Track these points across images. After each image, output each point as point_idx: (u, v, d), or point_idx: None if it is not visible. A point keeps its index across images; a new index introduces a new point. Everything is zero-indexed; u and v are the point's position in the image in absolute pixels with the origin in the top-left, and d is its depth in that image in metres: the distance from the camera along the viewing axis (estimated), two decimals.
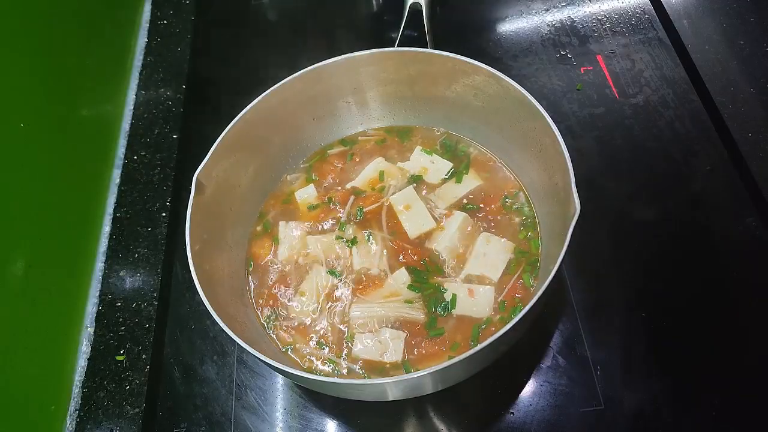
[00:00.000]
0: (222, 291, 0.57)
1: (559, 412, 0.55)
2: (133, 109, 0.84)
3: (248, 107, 0.60)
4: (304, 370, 0.56)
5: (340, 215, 0.64)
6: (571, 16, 0.82)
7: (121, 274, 0.69)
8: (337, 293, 0.59)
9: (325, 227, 0.64)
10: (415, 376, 0.43)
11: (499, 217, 0.61)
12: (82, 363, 0.64)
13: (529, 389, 0.56)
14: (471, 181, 0.64)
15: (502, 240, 0.59)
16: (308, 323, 0.58)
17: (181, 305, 0.67)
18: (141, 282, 0.68)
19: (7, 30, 0.63)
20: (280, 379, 0.61)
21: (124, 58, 0.87)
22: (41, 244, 0.63)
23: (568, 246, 0.46)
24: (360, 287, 0.59)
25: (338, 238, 0.62)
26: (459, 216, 0.61)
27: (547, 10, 0.84)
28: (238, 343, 0.47)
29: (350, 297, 0.59)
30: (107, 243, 0.72)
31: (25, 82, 0.65)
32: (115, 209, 0.75)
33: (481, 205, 0.62)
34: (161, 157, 0.78)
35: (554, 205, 0.55)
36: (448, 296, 0.57)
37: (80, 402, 0.62)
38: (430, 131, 0.69)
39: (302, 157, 0.70)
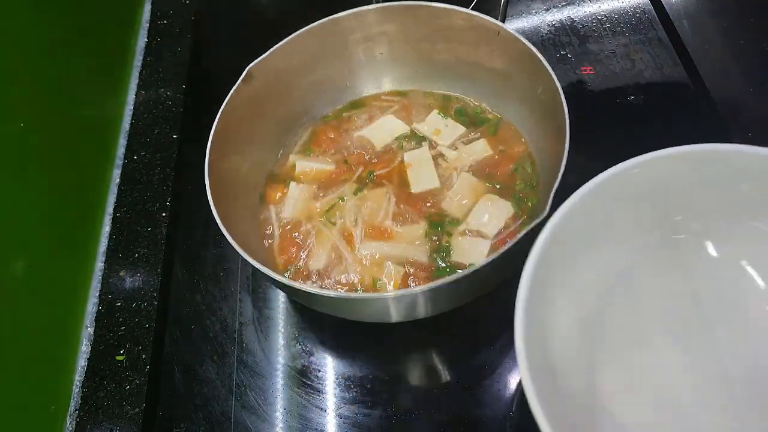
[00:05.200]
0: (234, 213, 0.59)
1: None
2: (133, 109, 0.84)
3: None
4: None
5: (352, 176, 0.67)
6: (571, 16, 0.82)
7: (121, 274, 0.69)
8: (347, 242, 0.62)
9: (336, 188, 0.67)
10: (409, 292, 0.46)
11: (505, 180, 0.64)
12: (82, 363, 0.64)
13: None
14: (482, 144, 0.66)
15: (503, 201, 0.62)
16: (317, 266, 0.61)
17: (181, 305, 0.67)
18: (141, 282, 0.68)
19: (6, 30, 0.63)
20: (280, 380, 0.61)
21: (124, 58, 0.87)
22: (41, 244, 0.63)
23: None
24: (372, 234, 0.62)
25: (344, 198, 0.65)
26: (465, 177, 0.64)
27: (547, 10, 0.84)
28: (244, 259, 0.49)
29: (360, 241, 0.61)
30: (107, 243, 0.72)
31: (25, 82, 0.65)
32: (115, 209, 0.75)
33: (490, 168, 0.64)
34: (161, 157, 0.78)
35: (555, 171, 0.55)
36: (448, 245, 0.60)
37: (80, 402, 0.62)
38: (443, 95, 0.71)
39: (317, 115, 0.72)
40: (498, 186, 0.63)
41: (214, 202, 0.55)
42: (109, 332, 0.65)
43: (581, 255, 0.44)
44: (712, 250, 0.45)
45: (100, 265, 0.71)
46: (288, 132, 0.71)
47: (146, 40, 0.91)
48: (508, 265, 0.47)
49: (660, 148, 0.68)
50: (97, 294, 0.68)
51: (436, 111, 0.69)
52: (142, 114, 0.83)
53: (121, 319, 0.66)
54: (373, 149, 0.68)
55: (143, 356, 0.63)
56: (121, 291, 0.68)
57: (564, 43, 0.80)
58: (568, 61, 0.78)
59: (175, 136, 0.79)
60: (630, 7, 0.81)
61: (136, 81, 0.86)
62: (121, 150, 0.80)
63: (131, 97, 0.85)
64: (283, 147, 0.70)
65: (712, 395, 0.41)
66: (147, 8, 0.94)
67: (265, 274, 0.50)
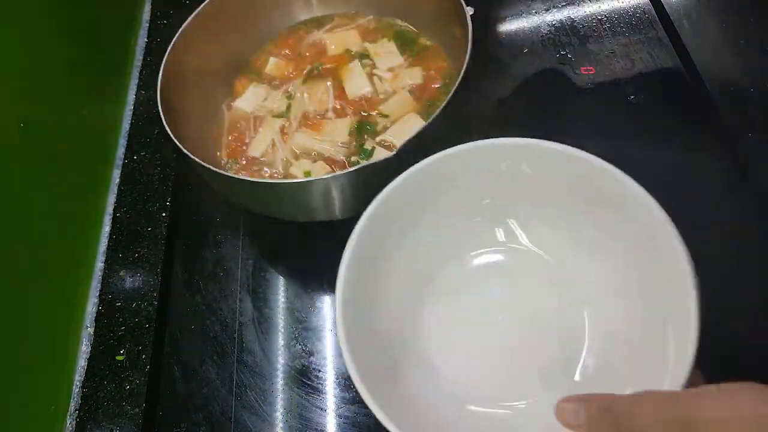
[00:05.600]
0: (192, 102, 0.67)
1: None
2: (133, 109, 0.84)
3: None
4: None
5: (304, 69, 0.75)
6: (571, 16, 0.82)
7: (121, 274, 0.69)
8: (287, 131, 0.69)
9: (288, 83, 0.74)
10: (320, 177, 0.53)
11: (432, 100, 0.69)
12: (82, 363, 0.64)
13: None
14: (417, 71, 0.72)
15: (418, 118, 0.67)
16: (253, 154, 0.69)
17: (181, 305, 0.67)
18: (141, 282, 0.68)
19: (5, 30, 0.63)
20: (280, 380, 0.61)
21: (124, 58, 0.87)
22: (41, 244, 0.63)
23: None
24: (307, 123, 0.70)
25: (294, 93, 0.73)
26: (400, 95, 0.69)
27: (547, 10, 0.84)
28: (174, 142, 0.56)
29: (297, 129, 0.69)
30: (107, 243, 0.72)
31: (25, 82, 0.65)
32: (115, 209, 0.75)
33: (422, 91, 0.70)
34: (161, 157, 0.78)
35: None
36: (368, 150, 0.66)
37: (80, 402, 0.62)
38: (392, 21, 0.78)
39: (287, 23, 0.81)
40: (429, 105, 0.69)
41: (163, 81, 0.62)
42: (109, 332, 0.65)
43: (404, 231, 0.50)
44: (510, 230, 0.54)
45: (100, 265, 0.71)
46: (262, 34, 0.79)
47: (146, 40, 0.91)
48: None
49: (659, 148, 0.69)
50: (97, 294, 0.69)
51: (386, 39, 0.76)
52: (142, 114, 0.83)
53: (121, 319, 0.66)
54: (326, 52, 0.76)
55: (143, 356, 0.63)
56: (121, 291, 0.68)
57: (564, 43, 0.80)
58: (568, 61, 0.78)
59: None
60: (630, 7, 0.81)
61: (136, 81, 0.86)
62: (121, 150, 0.80)
63: (131, 97, 0.85)
64: (256, 46, 0.79)
65: (503, 358, 0.49)
66: (147, 8, 0.94)
67: (187, 156, 0.56)
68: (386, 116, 0.68)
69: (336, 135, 0.67)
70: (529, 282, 0.52)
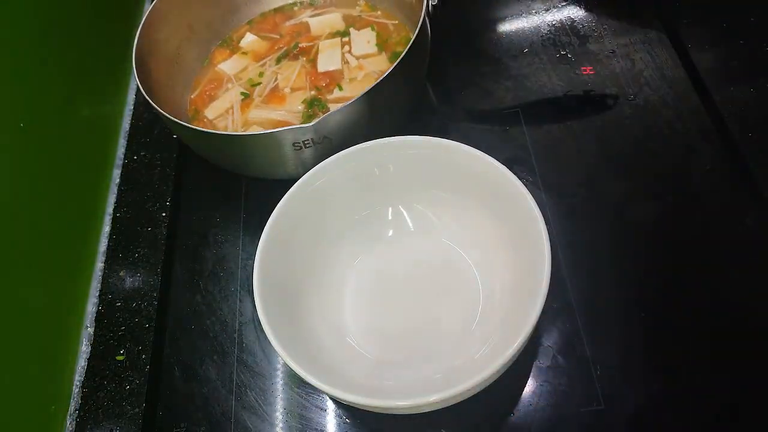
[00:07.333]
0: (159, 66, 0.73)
1: (559, 412, 0.55)
2: (133, 109, 0.84)
3: None
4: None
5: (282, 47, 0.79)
6: (571, 16, 0.82)
7: (121, 274, 0.69)
8: (248, 103, 0.75)
9: (265, 58, 0.79)
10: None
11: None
12: (82, 363, 0.64)
13: (528, 389, 0.56)
14: (382, 57, 0.76)
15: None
16: (209, 115, 0.75)
17: (181, 305, 0.67)
18: (141, 282, 0.68)
19: (6, 29, 0.63)
20: (280, 380, 0.61)
21: (124, 57, 0.87)
22: (41, 244, 0.63)
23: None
24: (267, 100, 0.74)
25: (263, 71, 0.77)
26: (364, 78, 0.73)
27: (547, 10, 0.84)
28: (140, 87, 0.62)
29: (258, 104, 0.74)
30: (107, 243, 0.72)
31: (25, 81, 0.65)
32: (115, 209, 0.75)
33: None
34: (161, 157, 0.78)
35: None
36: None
37: (80, 402, 0.62)
38: (396, 23, 0.80)
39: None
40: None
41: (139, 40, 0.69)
42: (109, 332, 0.65)
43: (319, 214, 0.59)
44: (409, 210, 0.63)
45: (100, 265, 0.71)
46: (247, 10, 0.84)
47: None
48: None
49: (659, 148, 0.69)
50: (97, 294, 0.69)
51: (371, 27, 0.79)
52: (142, 114, 0.83)
53: (121, 319, 0.66)
54: (308, 32, 0.80)
55: (143, 356, 0.63)
56: (121, 291, 0.68)
57: (564, 43, 0.80)
58: (568, 61, 0.78)
59: (175, 136, 0.79)
60: (630, 7, 0.81)
61: (136, 81, 0.86)
62: (121, 150, 0.80)
63: (131, 97, 0.85)
64: (240, 20, 0.84)
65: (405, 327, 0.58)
66: (147, 7, 0.94)
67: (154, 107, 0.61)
68: (341, 89, 0.73)
69: (292, 105, 0.72)
70: (426, 250, 0.61)
